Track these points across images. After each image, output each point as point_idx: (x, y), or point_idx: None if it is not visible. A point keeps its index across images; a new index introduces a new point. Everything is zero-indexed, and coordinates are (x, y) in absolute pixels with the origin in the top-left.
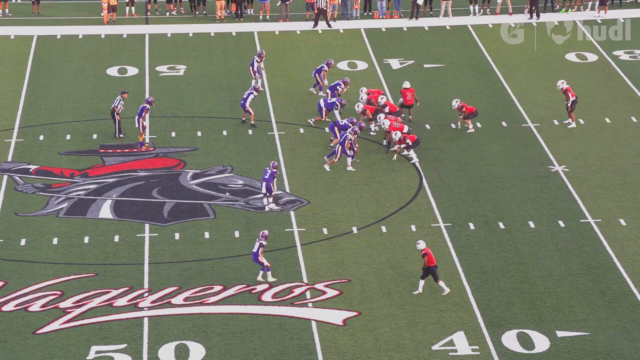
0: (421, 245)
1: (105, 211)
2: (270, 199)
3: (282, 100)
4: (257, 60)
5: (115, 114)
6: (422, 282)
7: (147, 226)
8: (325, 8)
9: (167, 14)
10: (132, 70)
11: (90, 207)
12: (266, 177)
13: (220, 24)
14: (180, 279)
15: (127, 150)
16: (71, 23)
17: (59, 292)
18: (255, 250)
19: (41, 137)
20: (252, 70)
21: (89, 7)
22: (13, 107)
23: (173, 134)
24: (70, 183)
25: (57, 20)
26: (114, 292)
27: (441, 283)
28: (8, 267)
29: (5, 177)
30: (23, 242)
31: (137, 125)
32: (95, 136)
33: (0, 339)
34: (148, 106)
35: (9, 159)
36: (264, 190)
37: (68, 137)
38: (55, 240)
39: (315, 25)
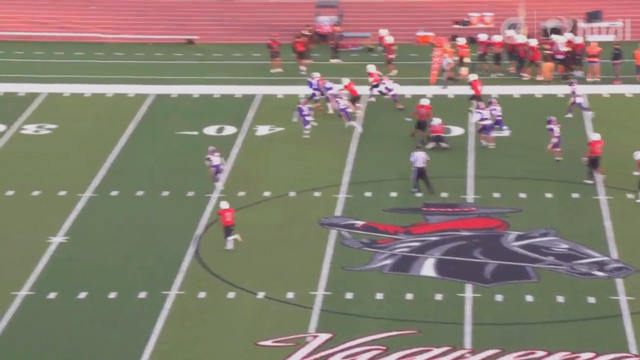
0: (223, 205)
1: (428, 269)
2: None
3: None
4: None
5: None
6: (229, 240)
7: (469, 286)
8: None
9: (493, 75)
10: (456, 130)
11: (413, 264)
12: None
13: (547, 86)
14: (502, 342)
15: (449, 210)
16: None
17: (383, 347)
18: None
19: (368, 194)
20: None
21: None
22: (341, 164)
23: (496, 195)
24: (394, 240)
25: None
26: (436, 351)
27: (229, 238)
28: (336, 320)
29: (333, 232)
30: (349, 295)
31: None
32: (419, 195)
33: None
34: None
35: (338, 213)
36: None
37: (393, 194)
38: (379, 296)
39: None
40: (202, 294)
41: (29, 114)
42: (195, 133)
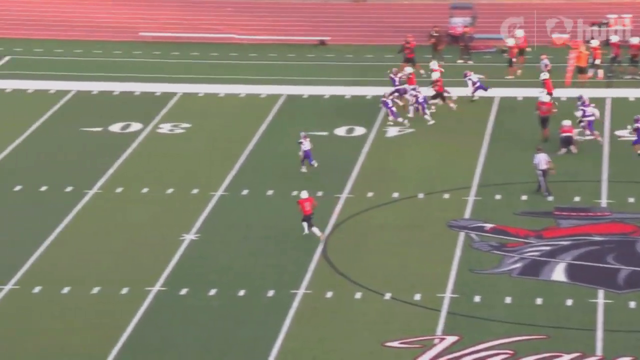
0: (303, 194)
1: (559, 274)
2: None
3: None
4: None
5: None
6: (304, 224)
7: (601, 292)
8: None
9: (627, 77)
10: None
11: (544, 268)
12: None
13: None
14: (635, 350)
15: (582, 214)
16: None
17: (511, 352)
18: None
19: (498, 197)
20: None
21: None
22: (471, 165)
23: (631, 200)
24: (524, 243)
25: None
26: (566, 357)
27: (313, 229)
28: (463, 323)
29: (462, 234)
30: (477, 298)
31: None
32: (550, 198)
33: None
34: None
35: (467, 216)
36: None
37: (524, 197)
38: (508, 300)
39: None
40: (329, 294)
41: (165, 113)
42: (326, 133)
